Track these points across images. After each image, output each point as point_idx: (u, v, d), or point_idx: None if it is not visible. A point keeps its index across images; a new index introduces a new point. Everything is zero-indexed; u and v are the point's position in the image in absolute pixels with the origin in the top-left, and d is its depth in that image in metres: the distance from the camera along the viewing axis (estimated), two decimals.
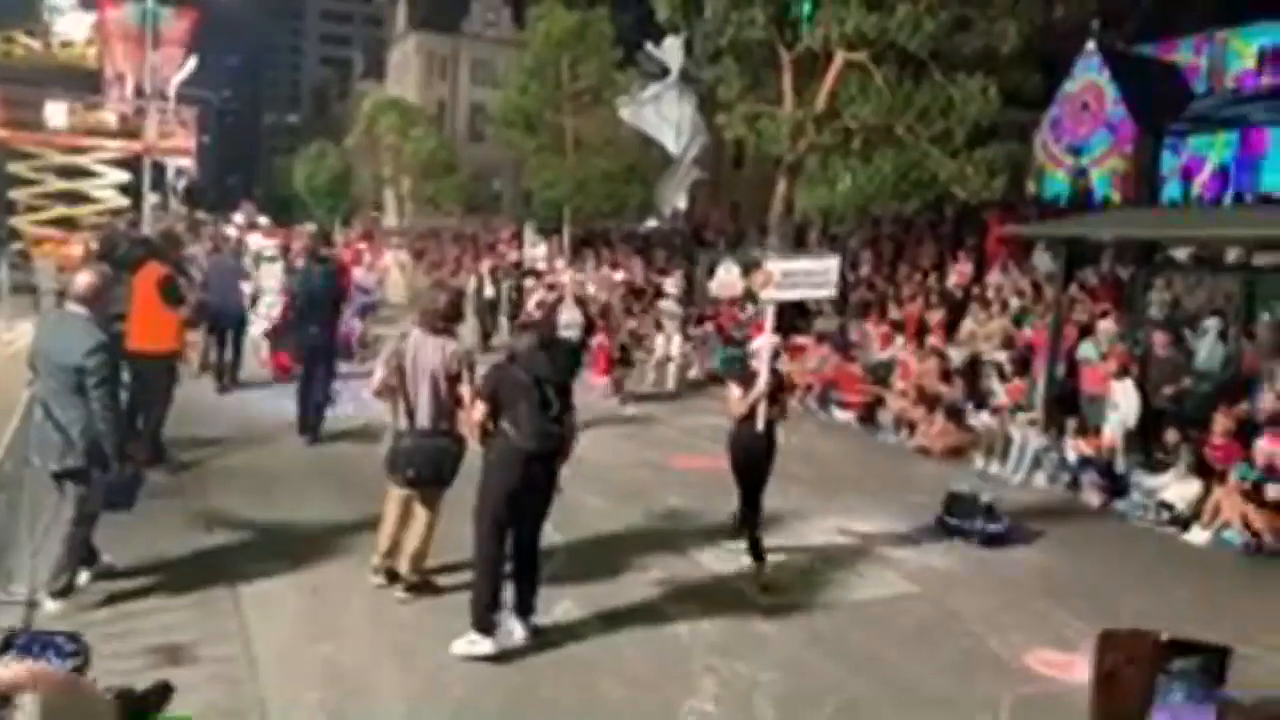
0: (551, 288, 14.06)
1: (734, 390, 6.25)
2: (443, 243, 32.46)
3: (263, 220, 35.08)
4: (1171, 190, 20.63)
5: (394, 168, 36.38)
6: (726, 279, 14.79)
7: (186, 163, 31.14)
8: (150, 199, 26.25)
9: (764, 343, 6.26)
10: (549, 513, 4.99)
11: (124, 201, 25.92)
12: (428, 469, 5.14)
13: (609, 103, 21.73)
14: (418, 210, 37.22)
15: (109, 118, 26.58)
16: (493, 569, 4.72)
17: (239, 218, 34.93)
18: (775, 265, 6.35)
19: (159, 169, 29.06)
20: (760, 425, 6.03)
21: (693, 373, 13.68)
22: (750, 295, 5.03)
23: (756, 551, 6.03)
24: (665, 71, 17.02)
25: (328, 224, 33.18)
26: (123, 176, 26.37)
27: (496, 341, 14.56)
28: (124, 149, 25.88)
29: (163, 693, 2.23)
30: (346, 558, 5.73)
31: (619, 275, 16.26)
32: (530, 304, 15.37)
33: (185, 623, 4.68)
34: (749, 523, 6.17)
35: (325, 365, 8.93)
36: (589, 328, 9.97)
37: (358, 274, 12.59)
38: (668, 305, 13.74)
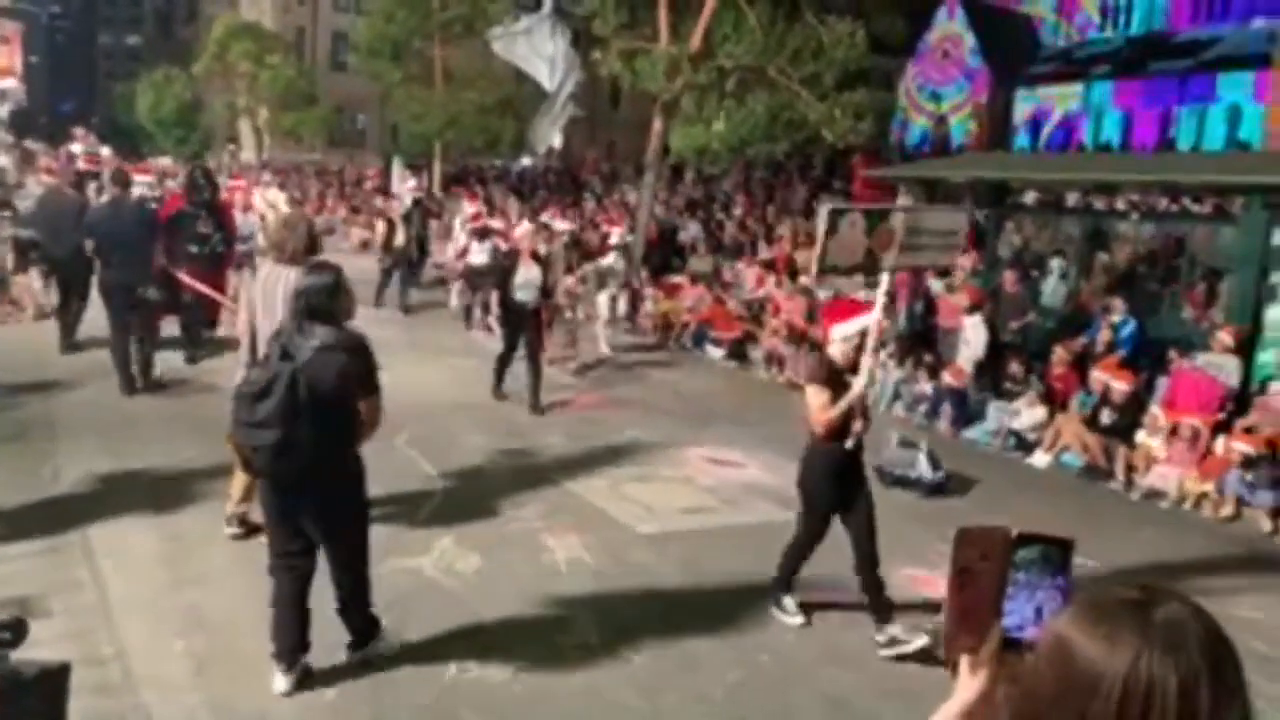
0: (499, 236, 12.20)
1: (815, 393, 4.47)
2: (305, 178, 30.96)
3: (105, 152, 32.49)
4: (1021, 140, 21.78)
5: (249, 98, 34.27)
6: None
7: (11, 84, 28.43)
8: None
9: (862, 326, 4.51)
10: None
11: None
12: None
13: (481, 34, 21.05)
14: (277, 144, 35.28)
15: None
16: None
17: (76, 148, 32.22)
18: (900, 219, 4.61)
19: None
20: (851, 442, 4.49)
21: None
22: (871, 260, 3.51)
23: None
24: (539, 3, 16.59)
25: (174, 157, 31.06)
26: None
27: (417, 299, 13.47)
28: None
29: (17, 627, 2.09)
30: (205, 504, 5.49)
31: (560, 224, 13.78)
32: (448, 252, 13.78)
33: (32, 572, 4.41)
34: (878, 602, 4.50)
35: (142, 314, 7.94)
36: (546, 290, 8.74)
37: (238, 218, 10.38)
38: (612, 261, 12.17)
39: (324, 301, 3.63)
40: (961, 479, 7.69)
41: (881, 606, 4.48)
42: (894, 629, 4.46)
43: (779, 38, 13.51)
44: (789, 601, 4.71)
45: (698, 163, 18.33)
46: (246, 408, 3.43)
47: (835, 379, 4.45)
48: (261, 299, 4.77)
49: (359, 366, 3.64)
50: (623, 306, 12.55)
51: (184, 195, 9.42)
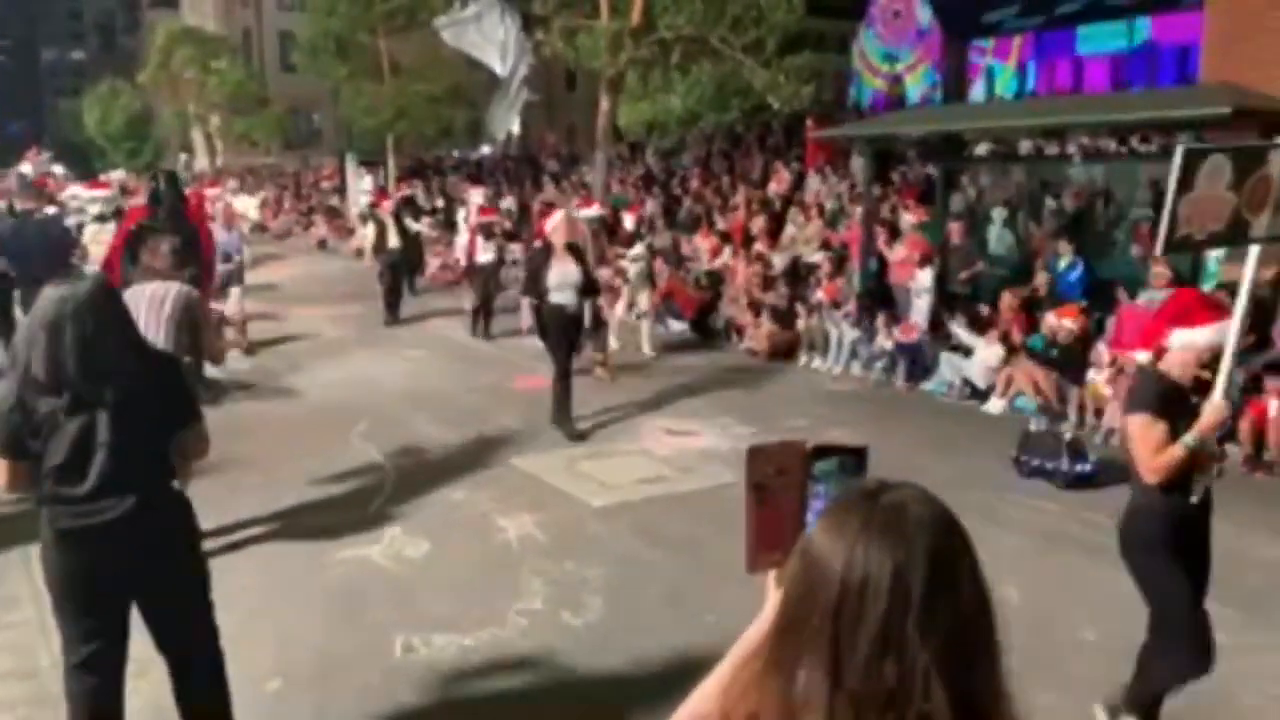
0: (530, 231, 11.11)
1: (1146, 425, 3.16)
2: (260, 182, 30.61)
3: (58, 170, 31.89)
4: (976, 94, 21.84)
5: (198, 104, 33.74)
6: None
7: None
8: None
9: (1225, 332, 3.19)
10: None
11: None
12: None
13: (425, 24, 20.77)
14: (230, 149, 34.80)
15: None
16: None
17: (26, 168, 31.63)
18: None
19: None
20: (1197, 494, 3.23)
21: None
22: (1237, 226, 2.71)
23: None
24: None
25: (127, 170, 30.57)
26: None
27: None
28: None
29: None
30: None
31: (589, 211, 11.17)
32: (438, 262, 13.24)
33: None
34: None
35: None
36: (589, 287, 7.45)
37: (218, 233, 8.83)
38: (636, 250, 11.03)
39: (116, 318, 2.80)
40: (915, 431, 7.75)
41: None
42: None
43: (718, 6, 13.47)
44: None
45: (647, 138, 18.25)
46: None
47: (1174, 404, 3.17)
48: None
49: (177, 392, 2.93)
50: (646, 303, 10.87)
51: (146, 208, 7.94)
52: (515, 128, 30.56)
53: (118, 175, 27.66)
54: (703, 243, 13.60)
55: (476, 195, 13.45)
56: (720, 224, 14.27)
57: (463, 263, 12.02)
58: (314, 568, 4.82)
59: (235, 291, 10.34)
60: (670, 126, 15.34)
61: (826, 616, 0.96)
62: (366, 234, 13.29)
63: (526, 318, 10.48)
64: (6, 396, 2.65)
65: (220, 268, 8.77)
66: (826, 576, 0.97)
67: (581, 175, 22.26)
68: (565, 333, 7.34)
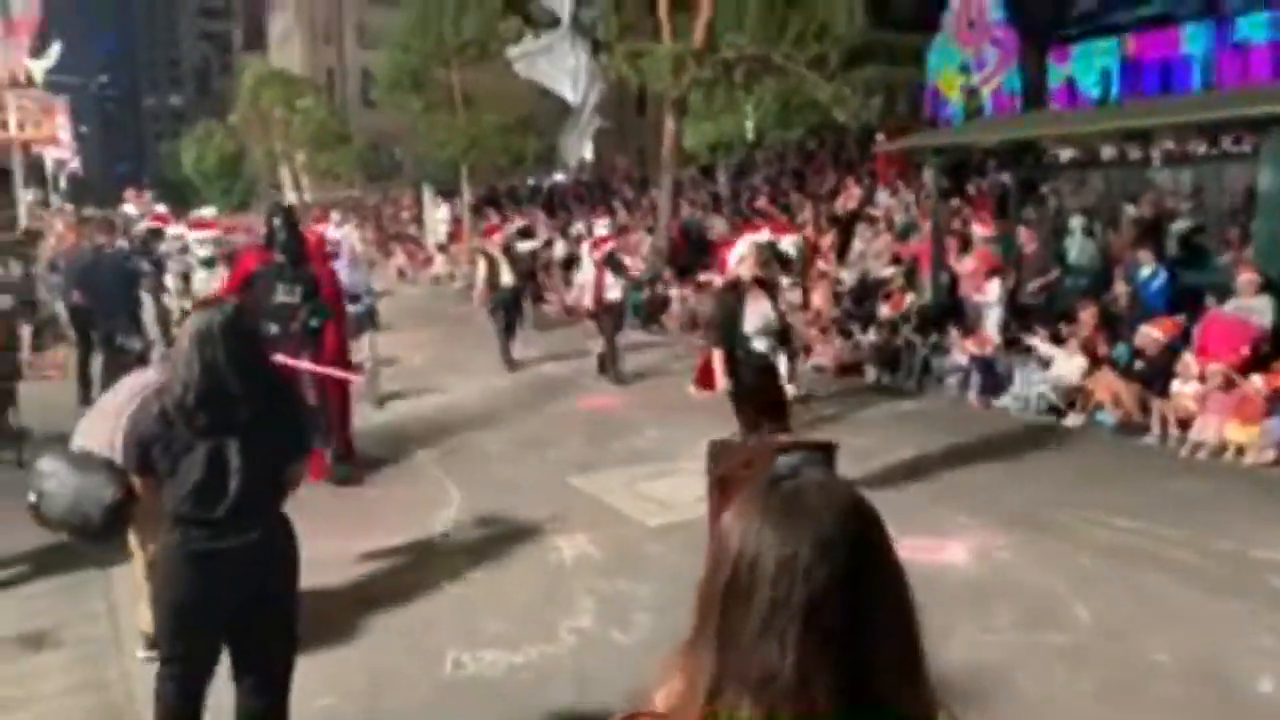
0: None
1: None
2: (344, 214, 31.66)
3: (160, 208, 33.53)
4: (1058, 102, 21.19)
5: (285, 142, 35.17)
6: None
7: (64, 154, 29.70)
8: (26, 195, 24.95)
9: None
10: None
11: None
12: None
13: (495, 55, 21.28)
14: (315, 184, 36.14)
15: None
16: None
17: (130, 209, 33.43)
18: None
19: (35, 163, 27.61)
20: None
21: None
22: None
23: None
24: (556, 21, 16.74)
25: (221, 207, 32.03)
26: None
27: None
28: None
29: None
30: None
31: (789, 239, 10.40)
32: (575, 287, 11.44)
33: (50, 609, 4.58)
34: None
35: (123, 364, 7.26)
36: (784, 335, 6.43)
37: (341, 271, 7.71)
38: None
39: (251, 344, 2.93)
40: (989, 449, 7.50)
41: None
42: None
43: (780, 23, 13.44)
44: None
45: (711, 158, 18.25)
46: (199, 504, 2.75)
47: None
48: None
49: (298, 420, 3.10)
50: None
51: (260, 251, 6.74)
52: (588, 154, 30.92)
53: (208, 212, 29.04)
54: None
55: (600, 226, 11.89)
56: None
57: (587, 302, 10.46)
58: (369, 584, 4.90)
59: (367, 338, 9.07)
60: (735, 146, 15.30)
61: (718, 596, 0.98)
62: (478, 272, 11.80)
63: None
64: (150, 411, 2.78)
65: (352, 307, 8.00)
66: (722, 558, 0.99)
67: (652, 199, 22.41)
68: (769, 385, 6.05)
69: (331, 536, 5.56)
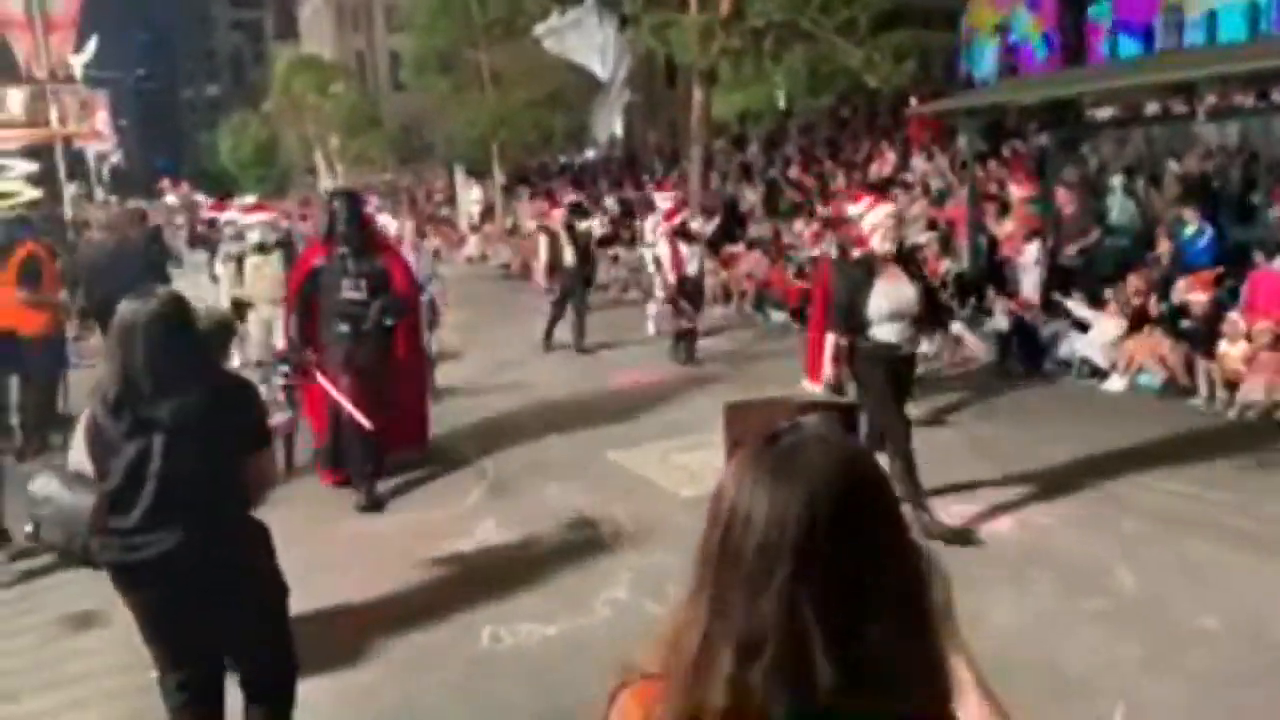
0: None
1: None
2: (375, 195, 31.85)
3: (200, 198, 34.00)
4: (1098, 58, 20.59)
5: (317, 127, 35.47)
6: None
7: (105, 147, 30.19)
8: (69, 188, 25.46)
9: None
10: None
11: (35, 193, 25.04)
12: None
13: (522, 33, 21.17)
14: (349, 169, 36.42)
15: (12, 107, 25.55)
16: None
17: (171, 199, 33.96)
18: None
19: (78, 156, 28.13)
20: None
21: None
22: None
23: None
24: None
25: (258, 195, 32.41)
26: (29, 167, 25.43)
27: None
28: (27, 137, 24.88)
29: None
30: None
31: (913, 208, 9.57)
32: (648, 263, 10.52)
33: (96, 590, 4.66)
34: None
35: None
36: (936, 313, 5.67)
37: (409, 257, 7.25)
38: None
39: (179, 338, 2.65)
40: (1031, 414, 7.38)
41: None
42: None
43: None
44: None
45: (741, 129, 18.04)
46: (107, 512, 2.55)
47: None
48: None
49: (244, 415, 2.76)
50: None
51: (322, 243, 6.03)
52: (618, 129, 30.70)
53: (247, 199, 29.38)
54: (803, 229, 13.35)
55: (663, 199, 11.04)
56: (821, 210, 13.97)
57: (670, 279, 9.59)
58: (408, 559, 4.95)
59: (429, 335, 8.25)
60: (765, 115, 15.10)
61: (713, 555, 0.97)
62: (539, 252, 11.04)
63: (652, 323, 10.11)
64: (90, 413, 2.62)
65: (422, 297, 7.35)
66: (718, 515, 0.98)
67: (683, 170, 22.24)
68: (893, 383, 5.01)
69: (364, 514, 5.66)
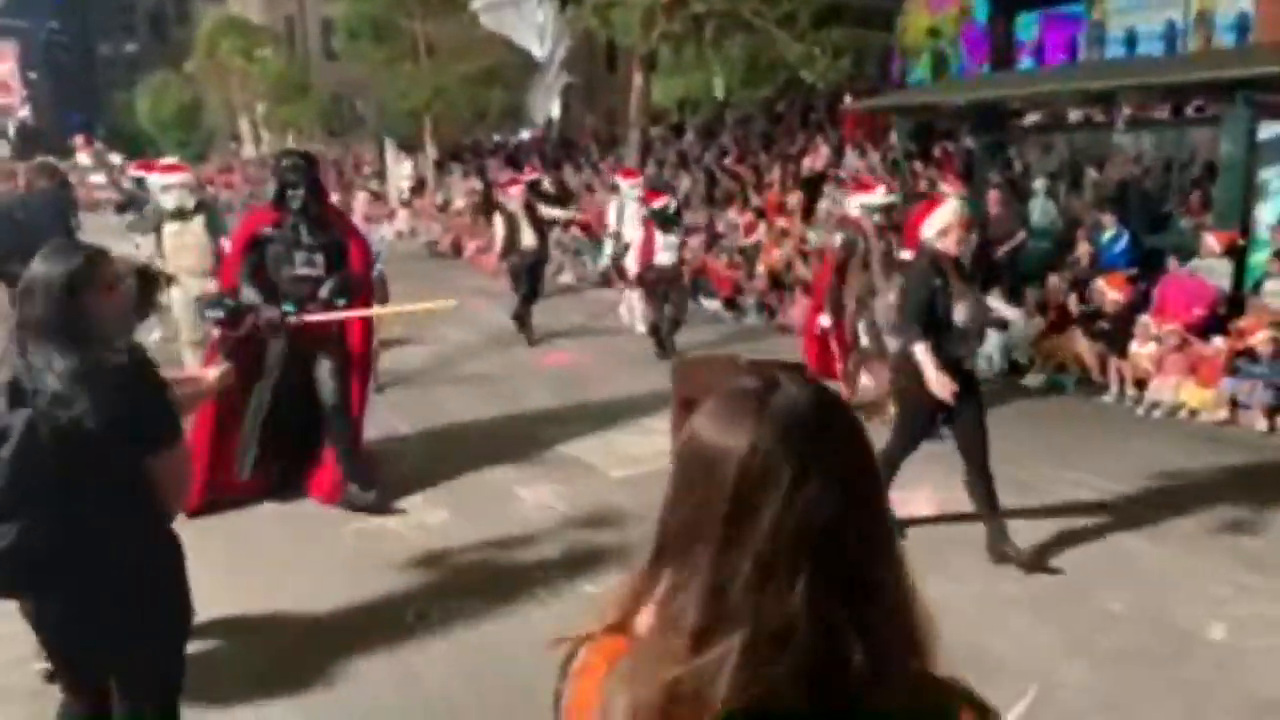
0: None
1: None
2: None
3: (115, 158, 32.45)
4: (1025, 64, 21.24)
5: (243, 93, 34.22)
6: None
7: (12, 100, 28.70)
8: None
9: None
10: None
11: None
12: None
13: (462, 5, 20.79)
14: (275, 137, 35.28)
15: None
16: None
17: (83, 158, 32.38)
18: None
19: None
20: None
21: None
22: None
23: None
24: None
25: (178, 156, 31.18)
26: None
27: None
28: None
29: None
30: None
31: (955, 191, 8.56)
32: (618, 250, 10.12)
33: None
34: None
35: None
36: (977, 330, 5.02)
37: (363, 228, 6.48)
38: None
39: (66, 305, 2.26)
40: None
41: None
42: None
43: None
44: None
45: (680, 115, 18.08)
46: None
47: None
48: None
49: (142, 404, 2.30)
50: None
51: (271, 207, 5.26)
52: (555, 111, 30.35)
53: (166, 161, 28.23)
54: (737, 218, 13.45)
55: (628, 184, 10.34)
56: (755, 200, 14.10)
57: (635, 269, 9.13)
58: (332, 535, 4.85)
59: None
60: (703, 103, 15.15)
61: (685, 510, 0.92)
62: (495, 232, 10.45)
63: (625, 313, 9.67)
64: None
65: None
66: (712, 470, 0.91)
67: (619, 156, 22.15)
68: (967, 396, 4.49)
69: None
